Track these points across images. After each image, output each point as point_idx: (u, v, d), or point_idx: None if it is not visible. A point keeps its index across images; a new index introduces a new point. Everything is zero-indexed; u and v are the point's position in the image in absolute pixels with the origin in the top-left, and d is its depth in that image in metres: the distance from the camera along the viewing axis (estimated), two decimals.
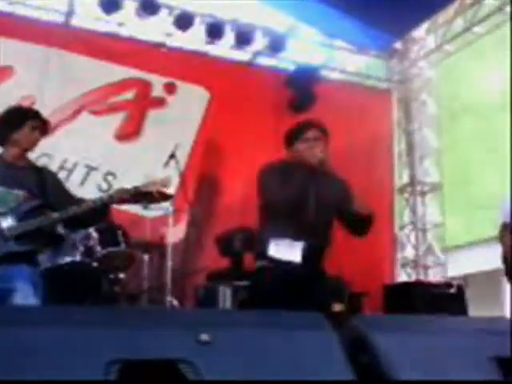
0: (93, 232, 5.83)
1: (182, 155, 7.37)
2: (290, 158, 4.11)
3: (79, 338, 1.84)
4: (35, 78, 7.38)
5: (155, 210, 6.50)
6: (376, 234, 8.25)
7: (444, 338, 2.34)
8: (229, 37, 8.38)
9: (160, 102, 8.06)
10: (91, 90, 7.65)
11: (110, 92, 7.80)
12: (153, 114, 7.99)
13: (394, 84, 9.86)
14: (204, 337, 1.95)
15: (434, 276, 9.22)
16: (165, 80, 8.08)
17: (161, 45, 8.30)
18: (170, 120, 7.98)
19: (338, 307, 5.55)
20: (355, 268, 7.35)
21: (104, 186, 7.43)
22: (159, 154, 7.33)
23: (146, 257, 6.58)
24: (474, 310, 7.13)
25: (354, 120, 8.71)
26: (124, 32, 8.15)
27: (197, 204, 7.46)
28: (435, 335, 2.36)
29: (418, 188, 9.60)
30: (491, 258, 5.64)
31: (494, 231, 5.28)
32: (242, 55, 8.87)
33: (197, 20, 8.17)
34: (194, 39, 8.38)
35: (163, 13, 7.99)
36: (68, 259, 5.62)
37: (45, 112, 4.45)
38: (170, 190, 5.83)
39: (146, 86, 7.99)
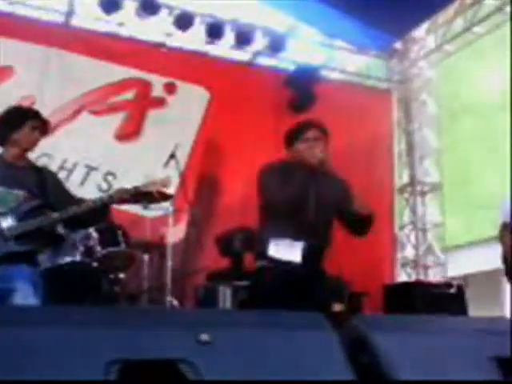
0: (93, 232, 5.83)
1: (182, 155, 7.37)
2: (290, 158, 4.11)
3: (79, 338, 1.84)
4: (35, 78, 7.37)
5: (155, 210, 6.49)
6: (376, 234, 8.25)
7: (444, 338, 2.34)
8: (229, 37, 8.37)
9: (160, 102, 8.06)
10: (91, 90, 7.65)
11: (110, 92, 7.79)
12: (153, 114, 7.99)
13: (393, 84, 9.86)
14: (204, 337, 1.95)
15: (433, 276, 9.22)
16: (165, 80, 8.08)
17: (161, 45, 8.30)
18: (170, 120, 7.98)
19: (338, 307, 5.56)
20: (355, 268, 7.34)
21: (104, 186, 7.43)
22: (159, 154, 7.33)
23: (145, 257, 6.58)
24: (474, 310, 7.13)
25: (353, 120, 8.70)
26: (124, 32, 8.15)
27: (197, 204, 7.46)
28: (435, 335, 2.36)
29: (418, 188, 9.60)
30: (491, 258, 5.64)
31: (494, 231, 5.28)
32: (242, 55, 8.86)
33: (197, 20, 8.16)
34: (193, 39, 8.38)
35: (163, 13, 7.99)
36: (68, 259, 5.62)
37: (45, 112, 4.45)
38: (170, 190, 5.84)
39: (145, 85, 7.99)
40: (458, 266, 10.46)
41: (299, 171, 3.92)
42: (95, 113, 7.69)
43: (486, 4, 8.56)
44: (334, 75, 9.55)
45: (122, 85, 7.86)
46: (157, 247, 6.70)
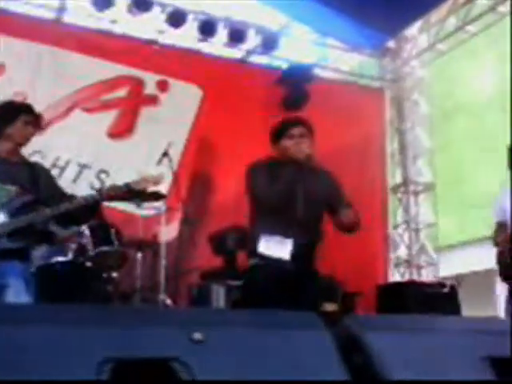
0: (85, 230, 5.81)
1: (175, 153, 7.36)
2: (277, 154, 4.12)
3: (71, 337, 1.82)
4: (27, 75, 7.35)
5: (148, 209, 6.49)
6: (369, 234, 8.32)
7: (437, 337, 2.34)
8: (222, 34, 8.37)
9: (153, 100, 8.04)
10: (83, 87, 7.62)
11: (103, 89, 7.77)
12: (145, 112, 7.97)
13: (386, 83, 9.86)
14: (197, 336, 1.94)
15: (427, 276, 9.24)
16: (157, 77, 8.06)
17: (153, 42, 8.28)
18: (162, 118, 7.97)
19: (331, 307, 5.56)
20: (348, 268, 7.37)
21: (97, 183, 7.39)
22: (152, 151, 7.32)
23: (139, 255, 6.56)
24: (467, 310, 7.13)
25: (346, 119, 8.71)
26: (116, 29, 8.13)
27: (190, 202, 7.45)
28: (428, 335, 2.36)
29: (411, 188, 9.61)
30: (484, 258, 5.64)
31: (487, 231, 5.27)
32: (235, 53, 8.86)
33: (189, 17, 8.16)
34: (186, 37, 8.37)
35: (156, 10, 7.97)
36: (60, 258, 5.60)
37: (37, 109, 4.42)
38: (163, 188, 5.83)
39: (138, 83, 7.97)
40: (451, 266, 10.47)
41: (287, 167, 3.93)
42: (88, 110, 7.67)
43: (479, 3, 8.57)
44: (327, 74, 9.55)
45: (115, 82, 7.84)
46: (150, 246, 6.69)
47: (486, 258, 5.52)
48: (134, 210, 6.53)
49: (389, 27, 8.80)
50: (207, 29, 8.24)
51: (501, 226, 4.99)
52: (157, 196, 6.01)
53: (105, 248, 5.91)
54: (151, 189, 4.29)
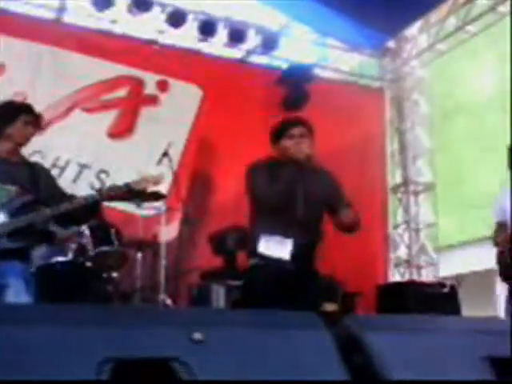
0: (85, 230, 5.81)
1: (175, 153, 7.36)
2: (277, 154, 4.12)
3: (72, 337, 1.82)
4: (27, 75, 7.34)
5: (148, 209, 6.49)
6: (369, 234, 8.32)
7: (437, 337, 2.34)
8: (222, 34, 8.37)
9: (153, 100, 8.04)
10: (83, 87, 7.62)
11: (103, 89, 7.77)
12: (145, 112, 7.97)
13: (386, 83, 9.86)
14: (197, 336, 1.94)
15: (427, 276, 9.24)
16: (157, 77, 8.06)
17: (153, 42, 8.28)
18: (162, 118, 7.96)
19: (331, 307, 5.55)
20: (348, 268, 7.37)
21: (97, 183, 7.39)
22: (152, 151, 7.32)
23: (139, 256, 6.56)
24: (467, 310, 7.13)
25: (346, 119, 8.70)
26: (116, 29, 8.13)
27: (190, 202, 7.45)
28: (428, 335, 2.36)
29: (411, 188, 9.61)
30: (484, 258, 5.63)
31: (488, 230, 5.27)
32: (235, 53, 8.86)
33: (189, 17, 8.15)
34: (186, 37, 8.36)
35: (156, 10, 7.97)
36: (60, 258, 5.60)
37: (37, 109, 4.42)
38: (163, 188, 5.83)
39: (138, 83, 7.96)
40: (451, 266, 10.48)
41: (287, 167, 3.93)
42: (88, 110, 7.67)
43: (479, 3, 8.56)
44: (327, 74, 9.55)
45: (115, 82, 7.84)
46: (150, 246, 6.68)
47: (486, 258, 5.52)
48: (134, 209, 6.53)
49: (389, 27, 8.80)
50: (207, 29, 8.23)
51: (501, 226, 4.98)
52: (157, 196, 6.01)
53: (105, 248, 5.91)
54: (151, 189, 4.29)
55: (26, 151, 4.14)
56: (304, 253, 3.96)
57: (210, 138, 8.17)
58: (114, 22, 8.04)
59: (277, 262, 3.88)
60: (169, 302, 6.31)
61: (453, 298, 7.25)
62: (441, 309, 6.78)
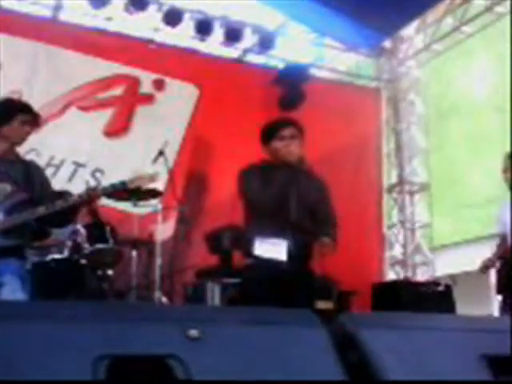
0: (81, 228, 5.81)
1: (171, 152, 7.35)
2: (268, 156, 4.12)
3: (67, 334, 1.82)
4: (23, 73, 7.34)
5: (144, 208, 6.49)
6: (365, 233, 8.32)
7: (432, 335, 2.34)
8: (218, 33, 8.37)
9: (148, 99, 8.03)
10: (79, 86, 7.61)
11: (99, 88, 7.76)
12: (141, 111, 7.97)
13: (382, 83, 9.87)
14: (193, 333, 1.94)
15: (422, 275, 9.26)
16: (153, 76, 8.05)
17: (150, 41, 8.28)
18: (158, 116, 7.96)
19: (324, 304, 5.56)
20: (344, 267, 7.34)
21: (92, 182, 7.38)
22: (148, 150, 7.31)
23: (134, 254, 6.55)
24: (462, 310, 7.14)
25: (342, 118, 8.71)
26: (112, 27, 8.12)
27: (186, 201, 7.44)
28: (423, 333, 2.35)
29: (407, 188, 9.63)
30: (479, 258, 5.64)
31: (482, 230, 5.29)
32: (232, 52, 8.86)
33: (186, 16, 8.15)
34: (183, 35, 8.36)
35: (152, 8, 7.98)
36: (56, 255, 5.59)
37: (33, 107, 4.41)
38: (159, 187, 5.83)
39: (134, 82, 7.96)
40: (446, 266, 10.48)
41: (280, 171, 3.95)
42: (83, 108, 7.66)
43: (476, 3, 8.58)
44: (324, 73, 9.56)
45: (111, 81, 7.83)
46: (145, 244, 6.68)
47: (481, 258, 5.52)
48: (129, 208, 6.52)
49: (385, 27, 8.79)
50: (203, 28, 8.23)
51: (501, 239, 4.99)
52: (153, 194, 6.02)
53: (100, 246, 5.91)
54: (147, 186, 4.29)
55: (21, 149, 4.13)
56: (299, 254, 3.96)
57: (206, 137, 8.17)
58: (110, 20, 8.04)
59: (271, 263, 3.88)
60: (164, 300, 6.30)
61: (447, 296, 7.26)
62: (435, 307, 6.79)
